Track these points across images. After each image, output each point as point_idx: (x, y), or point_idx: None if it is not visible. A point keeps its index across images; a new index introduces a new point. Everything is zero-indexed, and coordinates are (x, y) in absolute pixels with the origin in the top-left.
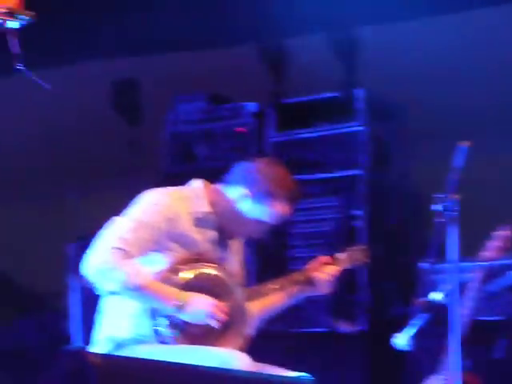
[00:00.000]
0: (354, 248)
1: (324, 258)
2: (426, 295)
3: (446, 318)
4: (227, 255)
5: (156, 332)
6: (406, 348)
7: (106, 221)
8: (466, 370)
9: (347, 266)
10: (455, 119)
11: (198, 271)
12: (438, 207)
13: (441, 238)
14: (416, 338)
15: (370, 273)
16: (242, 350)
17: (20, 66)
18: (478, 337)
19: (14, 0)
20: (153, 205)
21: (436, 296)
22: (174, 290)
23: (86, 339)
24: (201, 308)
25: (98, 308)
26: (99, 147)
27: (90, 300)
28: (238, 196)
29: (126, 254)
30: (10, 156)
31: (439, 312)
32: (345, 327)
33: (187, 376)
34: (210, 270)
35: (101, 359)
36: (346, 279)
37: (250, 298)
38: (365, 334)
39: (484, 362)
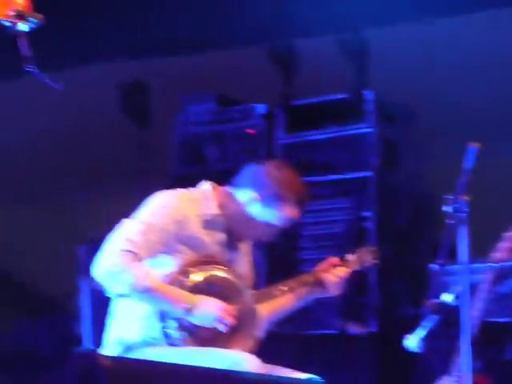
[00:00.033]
0: (364, 249)
1: (333, 260)
2: (436, 297)
3: (457, 320)
4: (236, 257)
5: (165, 334)
6: (417, 350)
7: (116, 222)
8: (476, 371)
9: (357, 267)
10: (465, 120)
11: (207, 273)
12: (448, 208)
13: (451, 240)
14: (426, 339)
15: (379, 274)
16: (251, 352)
17: (31, 68)
18: (488, 338)
19: (23, 3)
20: (161, 207)
21: (447, 297)
22: (183, 293)
23: (97, 341)
24: (209, 311)
25: (108, 310)
26: (109, 150)
27: (101, 302)
28: (247, 199)
29: (135, 257)
30: (21, 158)
31: (450, 313)
32: (355, 329)
33: (197, 378)
34: (220, 273)
35: (111, 361)
36: (355, 281)
37: (260, 300)
38: (375, 335)
39: (494, 363)
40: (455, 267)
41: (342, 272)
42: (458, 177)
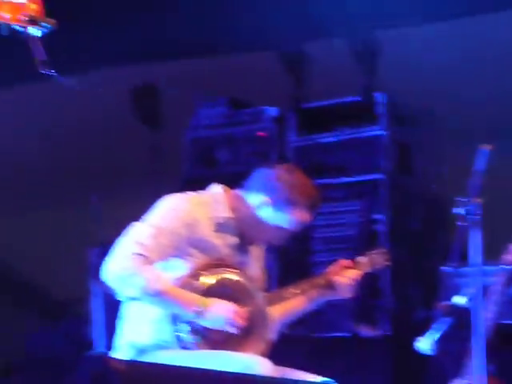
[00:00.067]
0: (375, 252)
1: (345, 262)
2: (448, 299)
3: (470, 322)
4: (247, 260)
5: (177, 338)
6: (429, 352)
7: (127, 226)
8: (489, 374)
9: (368, 269)
10: (477, 122)
11: (219, 276)
12: (461, 211)
13: (463, 242)
14: (439, 342)
15: (392, 277)
16: (263, 354)
17: (48, 72)
18: (501, 340)
19: (35, 8)
20: (172, 210)
21: (459, 300)
22: (194, 296)
23: (109, 345)
24: (221, 314)
25: (120, 314)
26: (121, 153)
27: (113, 305)
28: (258, 203)
29: (146, 260)
30: (33, 161)
31: (462, 316)
32: (367, 331)
33: (209, 381)
34: (231, 276)
35: (124, 365)
36: (368, 283)
37: (271, 302)
38: (387, 338)
39: (508, 365)
40: (467, 269)
41: (353, 274)
42: (470, 179)
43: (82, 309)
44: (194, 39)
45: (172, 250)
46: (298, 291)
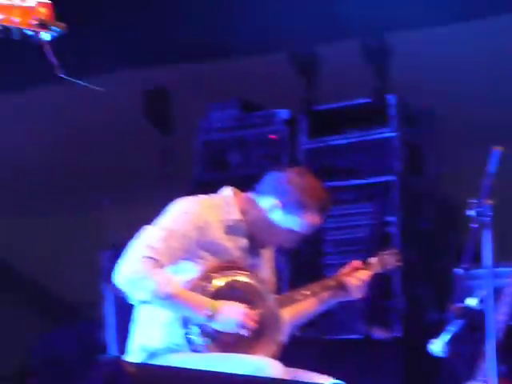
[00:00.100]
0: (386, 252)
1: (356, 263)
2: (461, 301)
3: (482, 324)
4: (258, 262)
5: (188, 340)
6: (442, 354)
7: (139, 229)
8: (501, 375)
9: (379, 270)
10: (488, 124)
11: (230, 279)
12: (472, 212)
13: (475, 244)
14: (451, 344)
15: (404, 279)
16: (274, 357)
17: (63, 75)
18: None
19: (45, 12)
20: (183, 213)
21: (471, 302)
22: (205, 299)
23: (121, 348)
24: (231, 317)
25: (132, 317)
26: (132, 156)
27: (125, 309)
28: (269, 206)
29: (157, 263)
30: (45, 165)
31: (475, 318)
32: (379, 334)
33: None
34: (242, 278)
35: (135, 368)
36: (380, 285)
37: (282, 304)
38: (399, 340)
39: None
40: (479, 271)
41: (364, 275)
42: (481, 180)
43: (95, 312)
44: (205, 43)
45: (183, 253)
46: (309, 293)
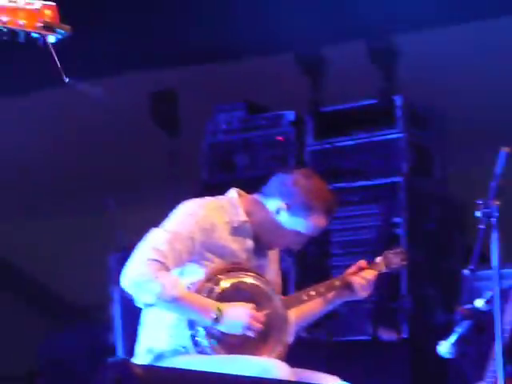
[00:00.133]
0: (391, 251)
1: (361, 263)
2: (468, 302)
3: (489, 325)
4: (264, 264)
5: (195, 342)
6: (449, 356)
7: (147, 231)
8: (507, 375)
9: (384, 269)
10: (495, 125)
11: (236, 280)
12: (479, 213)
13: (483, 245)
14: (459, 345)
15: (411, 280)
16: (281, 358)
17: (66, 78)
18: None
19: (50, 14)
20: (188, 215)
21: (479, 303)
22: (210, 302)
23: (129, 350)
24: (237, 319)
25: (140, 319)
26: (139, 158)
27: (133, 311)
28: (276, 208)
29: (162, 266)
30: (53, 168)
31: (482, 319)
32: (387, 335)
33: None
34: (249, 279)
35: (143, 370)
36: (387, 286)
37: (288, 305)
38: (407, 341)
39: None
40: (487, 272)
41: (369, 274)
42: (488, 181)
43: (103, 314)
44: (212, 44)
45: (189, 256)
46: (315, 293)
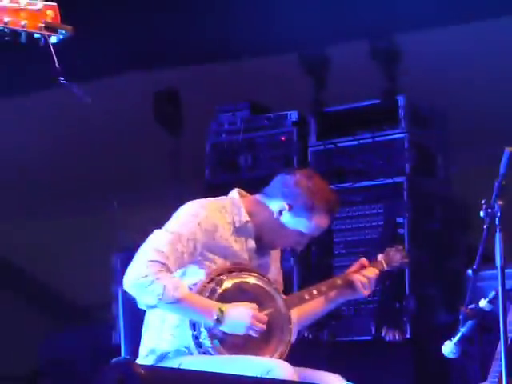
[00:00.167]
0: (392, 249)
1: (362, 261)
2: (472, 302)
3: (493, 325)
4: (266, 263)
5: (197, 343)
6: (453, 356)
7: (150, 231)
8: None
9: (386, 267)
10: (498, 124)
11: (238, 280)
12: (483, 213)
13: (486, 245)
14: (463, 345)
15: (414, 280)
16: (283, 357)
17: (61, 80)
18: None
19: (51, 14)
20: (190, 216)
21: (483, 303)
22: (212, 303)
23: (133, 350)
24: (240, 320)
25: (143, 319)
26: (142, 158)
27: (137, 311)
28: (278, 209)
29: (164, 267)
30: (55, 168)
31: (485, 319)
32: (390, 335)
33: None
34: (251, 279)
35: (146, 370)
36: (390, 287)
37: (291, 305)
38: (410, 341)
39: None
40: (491, 272)
41: (371, 273)
42: (491, 181)
43: (106, 314)
44: (215, 43)
45: (191, 257)
46: (316, 292)
